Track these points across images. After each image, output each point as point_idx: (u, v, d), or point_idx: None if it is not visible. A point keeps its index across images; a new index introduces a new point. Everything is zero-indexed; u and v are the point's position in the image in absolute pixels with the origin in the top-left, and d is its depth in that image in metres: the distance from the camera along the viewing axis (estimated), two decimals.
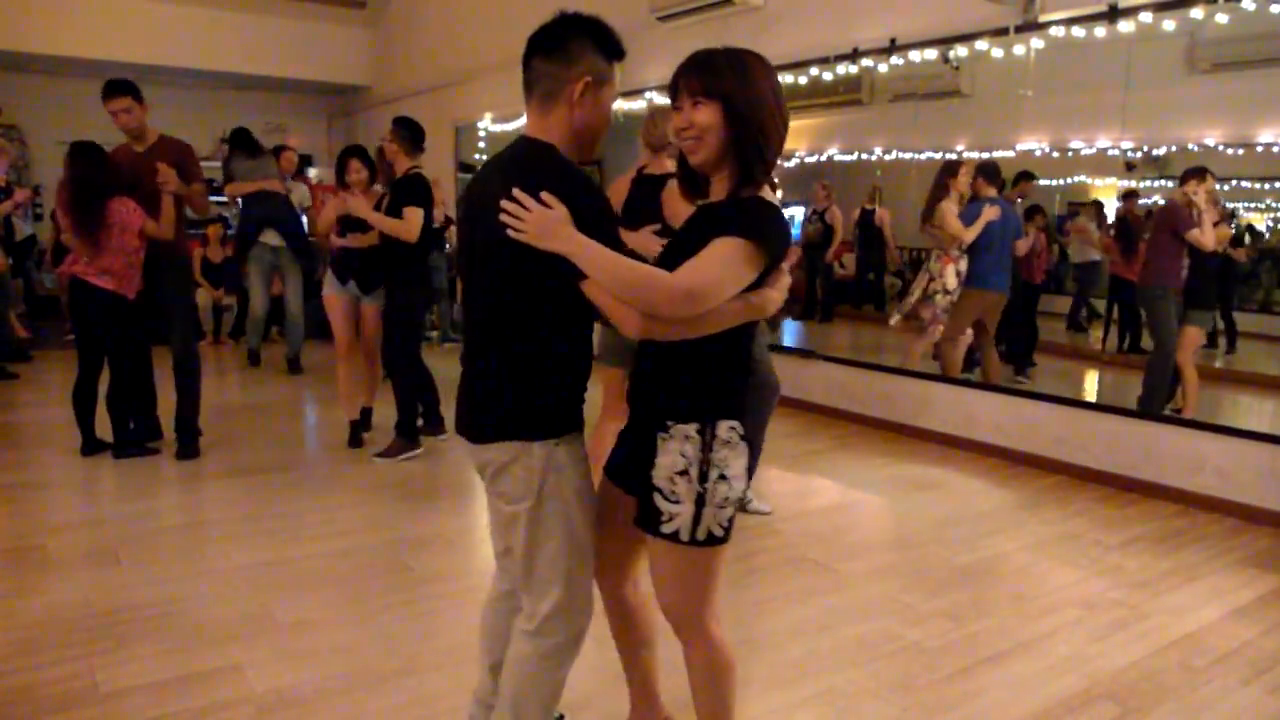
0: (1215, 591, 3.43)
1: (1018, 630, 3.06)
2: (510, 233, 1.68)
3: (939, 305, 5.75)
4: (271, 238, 7.29)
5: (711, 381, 1.81)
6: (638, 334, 1.72)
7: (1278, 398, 5.84)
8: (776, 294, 1.82)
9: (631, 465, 1.87)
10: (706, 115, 1.74)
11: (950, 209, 5.63)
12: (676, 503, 1.78)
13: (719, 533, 1.82)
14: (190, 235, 9.67)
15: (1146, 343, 5.73)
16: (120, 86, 4.66)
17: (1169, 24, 4.42)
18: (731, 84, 1.74)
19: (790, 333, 7.95)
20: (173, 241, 4.78)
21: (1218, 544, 3.92)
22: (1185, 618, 3.18)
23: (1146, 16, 4.42)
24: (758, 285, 1.77)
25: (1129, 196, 6.20)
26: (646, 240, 3.47)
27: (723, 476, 1.78)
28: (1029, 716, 2.53)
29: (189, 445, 4.85)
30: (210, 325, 8.95)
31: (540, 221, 1.67)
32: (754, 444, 1.87)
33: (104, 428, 4.83)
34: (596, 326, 1.91)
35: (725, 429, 1.79)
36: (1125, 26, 4.50)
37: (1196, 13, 4.28)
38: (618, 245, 1.72)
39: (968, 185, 5.70)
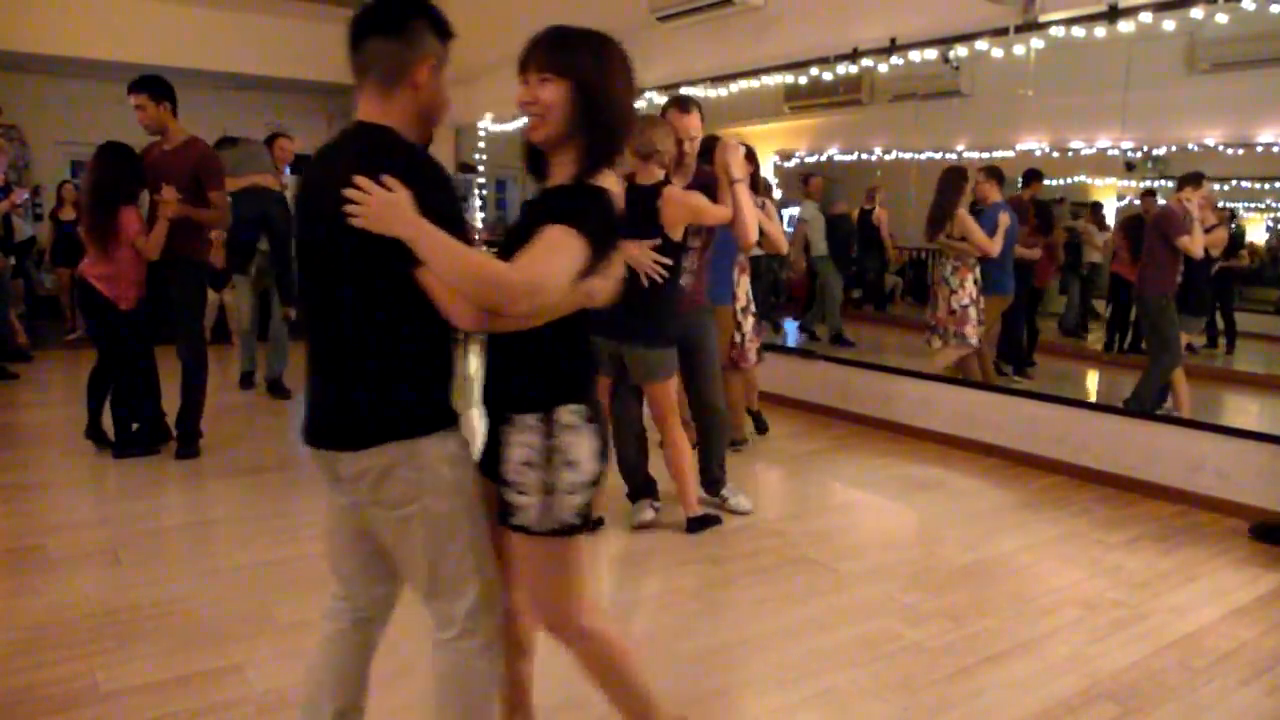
0: (1215, 591, 3.43)
1: (1018, 630, 3.06)
2: (352, 220, 1.59)
3: (972, 317, 5.65)
4: (263, 243, 6.32)
5: (548, 369, 1.79)
6: (473, 328, 1.66)
7: (1278, 398, 5.84)
8: (605, 283, 1.79)
9: (490, 461, 1.84)
10: (553, 93, 1.72)
11: (971, 219, 5.59)
12: (524, 494, 1.76)
13: (572, 521, 1.79)
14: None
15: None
16: (138, 83, 4.65)
17: (1169, 24, 4.42)
18: (586, 65, 1.73)
19: (791, 333, 7.95)
20: (191, 243, 4.74)
21: (1218, 544, 3.92)
22: (1185, 618, 3.18)
23: (1146, 16, 4.41)
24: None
25: (1147, 195, 6.15)
26: (642, 257, 3.43)
27: (569, 463, 1.76)
28: (1029, 716, 2.53)
29: (189, 446, 4.85)
30: (212, 324, 8.96)
31: (381, 205, 1.59)
32: (601, 430, 1.83)
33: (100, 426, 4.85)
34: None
35: (567, 414, 1.77)
36: (1125, 26, 4.50)
37: (1196, 13, 4.28)
38: (464, 235, 1.65)
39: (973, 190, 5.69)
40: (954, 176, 5.67)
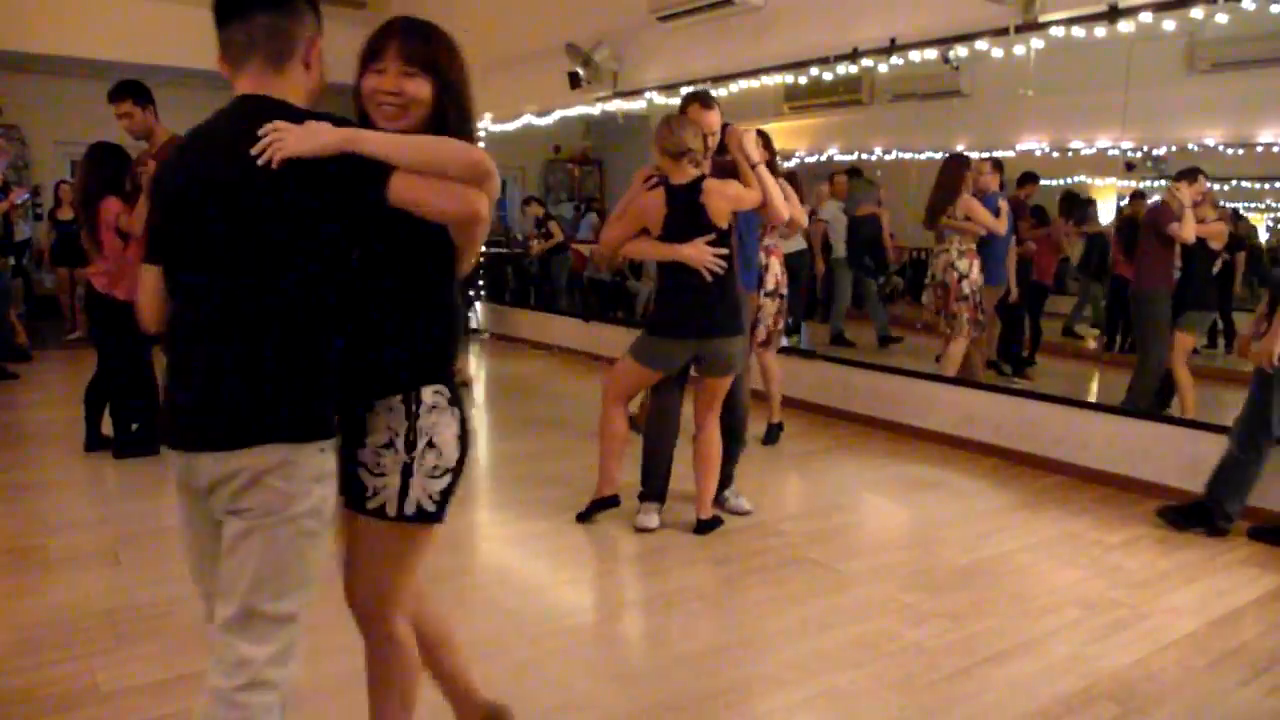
0: (1215, 591, 3.43)
1: (1018, 630, 3.06)
2: (275, 152, 1.47)
3: (979, 304, 5.64)
4: None
5: (411, 346, 1.73)
6: (471, 210, 1.58)
7: None
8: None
9: (346, 443, 1.72)
10: (418, 87, 1.73)
11: (976, 201, 5.59)
12: (381, 475, 1.70)
13: (429, 507, 1.73)
14: None
15: None
16: (121, 90, 4.60)
17: (1169, 24, 4.42)
18: (446, 61, 1.76)
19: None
20: None
21: (1218, 544, 3.92)
22: (1185, 618, 3.18)
23: (1146, 16, 4.41)
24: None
25: (1136, 197, 6.18)
26: (702, 253, 3.54)
27: (431, 444, 1.71)
28: (1029, 716, 2.53)
29: None
30: None
31: (302, 130, 1.49)
32: (462, 413, 1.78)
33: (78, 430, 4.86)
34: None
35: (430, 394, 1.72)
36: (1125, 26, 4.50)
37: (1196, 13, 4.28)
38: None
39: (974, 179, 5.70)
40: (956, 163, 5.66)
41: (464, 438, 1.78)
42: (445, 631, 2.06)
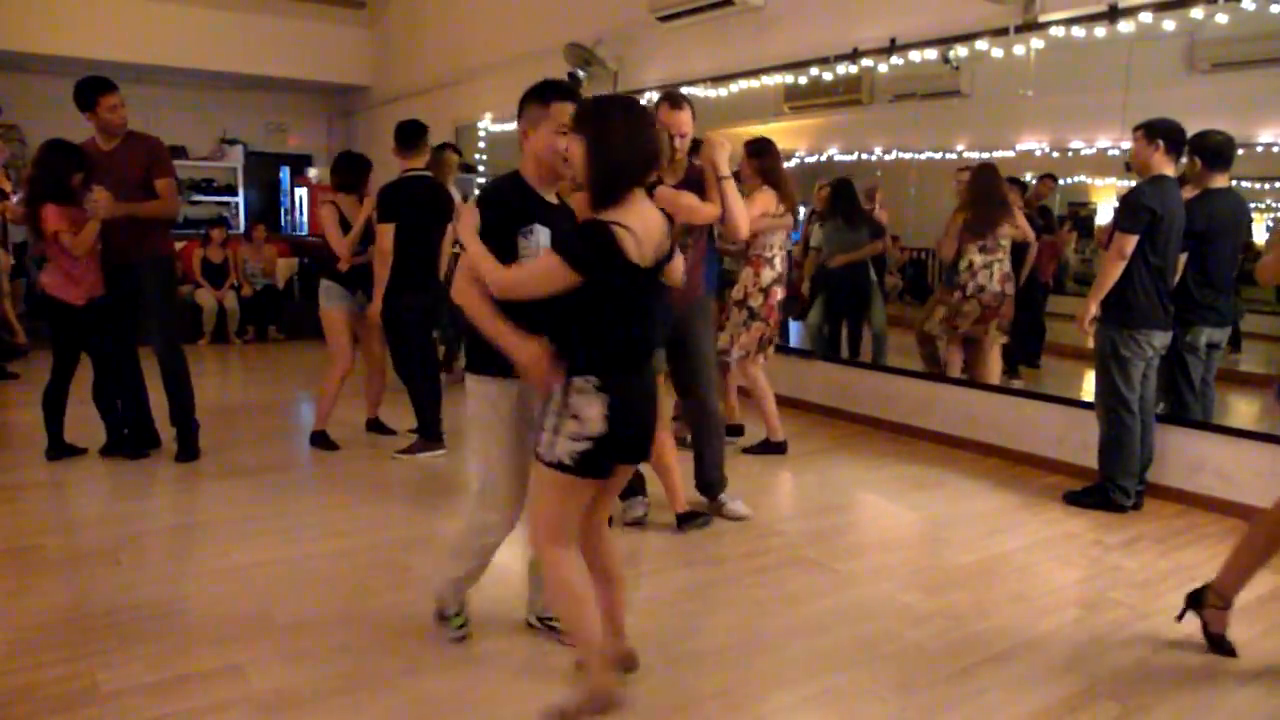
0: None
1: (1018, 630, 3.06)
2: None
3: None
4: None
5: (570, 345, 2.28)
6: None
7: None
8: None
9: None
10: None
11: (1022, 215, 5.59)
12: (541, 430, 2.31)
13: (567, 461, 2.25)
14: (193, 235, 9.73)
15: None
16: (112, 83, 4.55)
17: (1169, 24, 4.43)
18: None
19: (794, 334, 7.93)
20: (152, 241, 4.67)
21: (1218, 544, 3.91)
22: (1185, 618, 3.17)
23: (1146, 16, 4.42)
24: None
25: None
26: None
27: (575, 416, 2.24)
28: (1029, 716, 2.53)
29: (188, 447, 4.84)
30: (211, 325, 8.96)
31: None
32: (613, 398, 2.25)
33: (78, 432, 4.86)
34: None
35: (580, 382, 2.24)
36: (1125, 26, 4.51)
37: (1196, 13, 4.28)
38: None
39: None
40: (995, 173, 5.54)
41: (610, 417, 2.23)
42: (612, 570, 2.56)
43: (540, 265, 2.27)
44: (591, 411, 2.23)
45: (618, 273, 2.21)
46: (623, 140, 2.21)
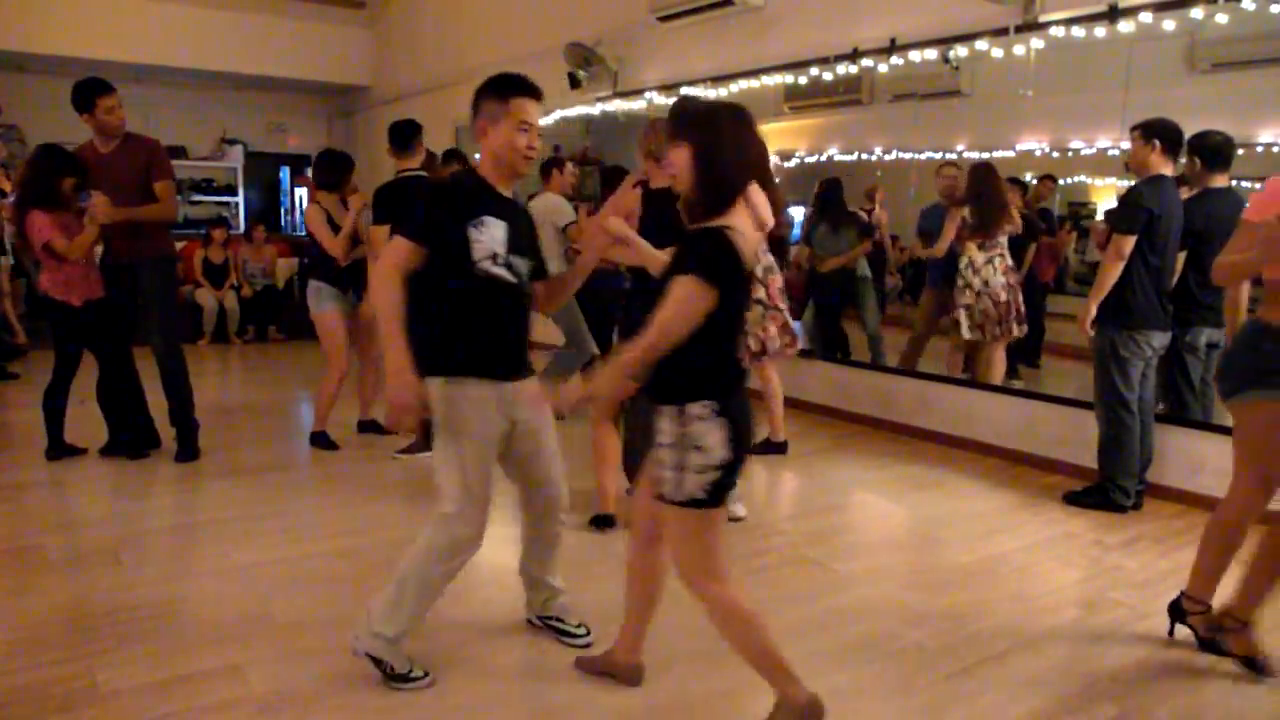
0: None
1: (1017, 630, 3.06)
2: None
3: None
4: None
5: (683, 370, 2.11)
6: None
7: None
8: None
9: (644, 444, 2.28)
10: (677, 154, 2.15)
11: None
12: (663, 469, 2.14)
13: (699, 495, 2.12)
14: (193, 235, 9.73)
15: None
16: (108, 84, 4.55)
17: (1169, 24, 4.43)
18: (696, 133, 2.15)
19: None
20: (153, 241, 4.67)
21: None
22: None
23: (1146, 16, 4.42)
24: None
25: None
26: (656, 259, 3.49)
27: (698, 447, 2.10)
28: (1029, 716, 2.53)
29: (188, 447, 4.83)
30: (211, 325, 8.96)
31: None
32: (732, 422, 2.13)
33: (79, 432, 4.85)
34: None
35: (698, 408, 2.10)
36: (1125, 26, 4.51)
37: (1196, 13, 4.28)
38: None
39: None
40: (993, 172, 5.52)
41: (734, 441, 2.12)
42: (656, 594, 2.54)
43: (675, 296, 2.04)
44: (714, 439, 2.10)
45: (740, 281, 2.14)
46: (732, 146, 2.13)
